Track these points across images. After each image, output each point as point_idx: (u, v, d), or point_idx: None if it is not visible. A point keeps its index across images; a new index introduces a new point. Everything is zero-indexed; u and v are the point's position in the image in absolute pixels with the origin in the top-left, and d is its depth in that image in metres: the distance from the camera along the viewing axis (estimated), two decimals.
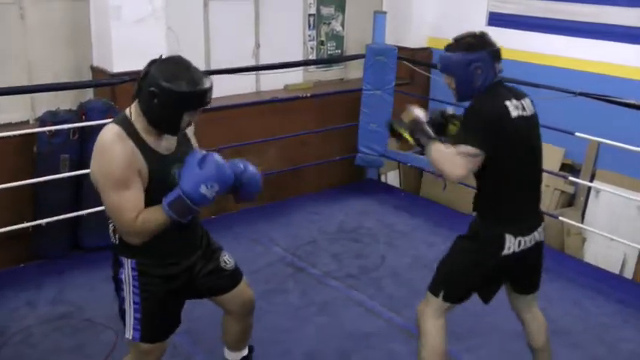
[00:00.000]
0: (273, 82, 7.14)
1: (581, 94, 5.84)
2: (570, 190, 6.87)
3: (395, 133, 3.60)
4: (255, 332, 4.55)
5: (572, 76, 6.60)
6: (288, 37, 7.33)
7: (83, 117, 5.41)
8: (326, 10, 7.59)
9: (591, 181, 6.64)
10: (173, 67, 2.88)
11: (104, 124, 4.99)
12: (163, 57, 2.95)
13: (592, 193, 6.69)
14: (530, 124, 3.37)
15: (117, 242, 3.11)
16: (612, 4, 6.49)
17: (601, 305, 5.23)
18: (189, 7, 6.49)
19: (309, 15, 7.45)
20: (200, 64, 6.50)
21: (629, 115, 5.66)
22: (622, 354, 4.59)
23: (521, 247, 3.37)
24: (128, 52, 5.63)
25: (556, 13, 6.95)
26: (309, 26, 7.48)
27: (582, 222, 6.64)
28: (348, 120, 7.16)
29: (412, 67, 7.50)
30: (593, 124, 6.08)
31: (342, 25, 7.80)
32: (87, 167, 5.28)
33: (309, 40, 7.52)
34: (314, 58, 7.62)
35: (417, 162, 7.18)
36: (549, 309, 5.04)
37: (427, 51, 8.02)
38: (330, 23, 7.67)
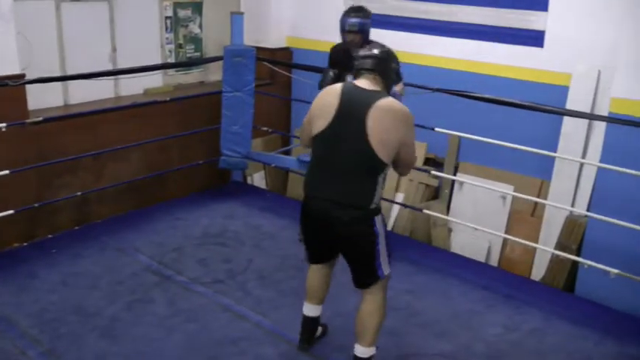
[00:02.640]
0: (133, 87, 7.00)
1: (438, 90, 6.03)
2: (435, 183, 7.08)
3: None
4: (120, 345, 4.53)
5: (431, 73, 6.79)
6: (145, 40, 7.20)
7: None
8: (183, 13, 7.50)
9: (455, 173, 6.86)
10: None
11: None
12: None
13: (456, 185, 6.92)
14: None
15: (374, 207, 3.84)
16: (465, 4, 6.71)
17: (467, 293, 5.44)
18: (39, 11, 6.24)
19: (166, 18, 7.34)
20: (55, 70, 6.35)
21: (487, 108, 5.90)
22: (487, 338, 4.81)
23: None
24: None
25: (412, 12, 7.14)
26: (167, 29, 7.37)
27: (448, 213, 6.86)
28: (211, 123, 7.12)
29: (272, 67, 7.53)
30: (454, 119, 6.31)
31: (200, 27, 7.74)
32: None
33: (167, 43, 7.41)
34: (172, 61, 7.52)
35: (280, 162, 7.22)
36: (416, 301, 5.26)
37: (287, 51, 8.08)
38: (187, 26, 7.59)
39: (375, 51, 3.96)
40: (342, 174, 3.81)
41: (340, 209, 3.80)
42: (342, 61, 5.62)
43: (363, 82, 3.88)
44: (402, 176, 4.25)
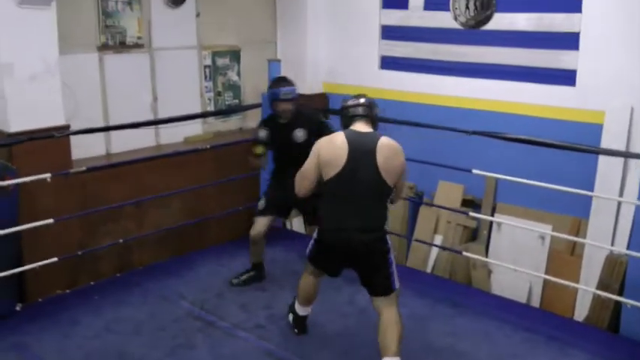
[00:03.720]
0: (173, 135, 7.15)
1: (474, 132, 6.04)
2: (473, 224, 7.08)
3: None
4: None
5: (464, 115, 6.84)
6: (185, 89, 7.36)
7: None
8: (221, 61, 7.65)
9: (492, 214, 6.83)
10: None
11: None
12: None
13: (494, 225, 6.90)
14: None
15: (387, 226, 4.57)
16: (496, 45, 6.77)
17: (509, 335, 5.37)
18: (83, 63, 6.44)
19: (205, 66, 7.50)
20: (98, 120, 6.48)
21: (522, 149, 5.91)
22: None
23: None
24: (24, 110, 5.53)
25: (444, 55, 7.20)
26: (206, 77, 7.52)
27: (487, 254, 6.83)
28: (250, 169, 7.17)
29: None
30: (490, 160, 6.30)
31: (239, 74, 7.87)
32: None
33: (207, 92, 7.56)
34: (212, 109, 7.65)
35: None
36: (458, 343, 5.19)
37: (323, 96, 8.16)
38: (226, 74, 7.74)
39: (362, 100, 4.65)
40: (364, 203, 4.44)
41: (366, 233, 4.44)
42: (277, 140, 5.94)
43: (360, 127, 4.57)
44: (393, 204, 4.81)
